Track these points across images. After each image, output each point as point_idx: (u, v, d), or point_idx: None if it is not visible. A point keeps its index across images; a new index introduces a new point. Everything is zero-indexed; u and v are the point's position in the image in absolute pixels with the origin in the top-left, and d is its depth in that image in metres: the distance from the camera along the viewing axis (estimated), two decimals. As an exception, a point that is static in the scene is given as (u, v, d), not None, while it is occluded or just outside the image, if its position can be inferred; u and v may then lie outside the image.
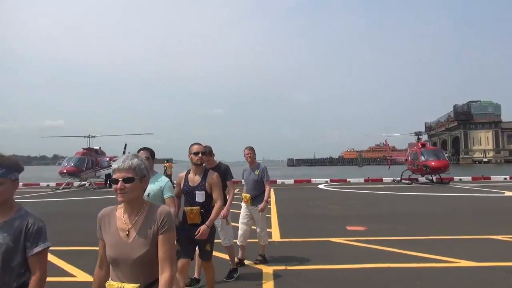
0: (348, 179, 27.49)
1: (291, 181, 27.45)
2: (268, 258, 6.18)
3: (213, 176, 4.17)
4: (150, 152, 3.98)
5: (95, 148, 26.82)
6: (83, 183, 24.95)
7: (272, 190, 19.95)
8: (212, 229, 4.12)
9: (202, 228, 3.96)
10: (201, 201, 4.09)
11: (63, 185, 24.05)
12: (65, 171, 23.34)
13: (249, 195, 5.95)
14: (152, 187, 3.80)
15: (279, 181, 27.46)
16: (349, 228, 8.77)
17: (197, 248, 4.31)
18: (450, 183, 23.61)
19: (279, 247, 7.13)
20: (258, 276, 5.40)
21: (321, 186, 22.71)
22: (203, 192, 4.10)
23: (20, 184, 26.79)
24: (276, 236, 8.02)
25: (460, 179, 25.99)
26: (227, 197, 5.21)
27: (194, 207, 4.04)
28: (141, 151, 3.92)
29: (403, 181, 25.26)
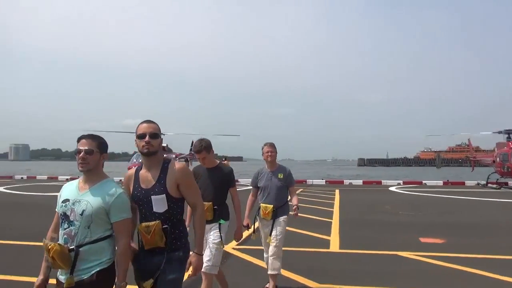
0: (423, 182, 25.17)
1: (360, 182, 25.81)
2: (320, 273, 5.24)
3: (178, 169, 2.59)
4: (98, 143, 2.45)
5: (162, 145, 27.47)
6: (150, 179, 25.64)
7: (337, 191, 18.89)
8: (185, 253, 2.61)
9: (193, 260, 2.65)
10: (161, 210, 2.51)
11: (132, 181, 25.06)
12: (133, 167, 24.20)
13: (271, 206, 4.54)
14: (92, 202, 2.34)
15: (346, 181, 25.99)
16: (423, 240, 7.46)
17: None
18: (549, 189, 20.44)
19: (336, 259, 6.14)
20: (306, 297, 4.52)
21: (392, 189, 20.89)
22: (163, 196, 2.52)
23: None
24: (334, 245, 7.01)
25: (561, 185, 22.46)
26: (234, 208, 4.05)
27: (152, 222, 2.48)
28: (82, 140, 2.43)
29: (489, 185, 22.47)
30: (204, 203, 3.54)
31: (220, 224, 3.84)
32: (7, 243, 7.11)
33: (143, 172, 2.63)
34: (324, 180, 26.86)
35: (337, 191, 18.67)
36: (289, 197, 4.86)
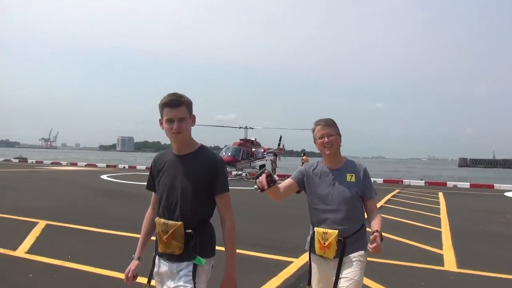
0: (549, 188, 21.43)
1: (466, 184, 22.88)
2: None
3: None
4: None
5: (251, 139, 27.52)
6: (239, 172, 25.85)
7: (440, 194, 16.77)
8: None
9: None
10: None
11: (221, 174, 25.73)
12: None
13: (335, 232, 2.48)
14: None
15: (449, 183, 23.24)
16: None
17: None
18: None
19: (455, 282, 4.98)
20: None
21: (509, 194, 18.05)
22: None
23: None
24: (450, 262, 5.78)
25: None
26: (226, 239, 2.14)
27: None
28: None
29: None
30: (168, 222, 2.10)
31: (195, 264, 2.06)
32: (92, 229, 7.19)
33: None
34: (423, 181, 24.41)
35: (440, 194, 16.64)
36: (366, 216, 2.65)
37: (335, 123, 2.61)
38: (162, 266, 2.14)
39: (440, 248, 6.62)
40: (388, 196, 14.57)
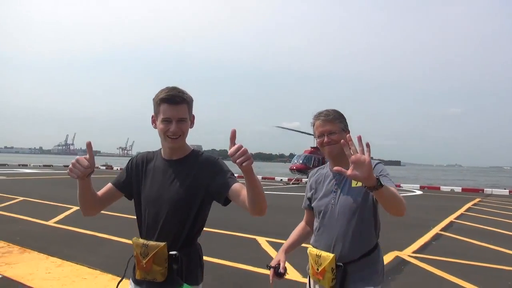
0: None
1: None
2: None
3: None
4: None
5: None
6: (310, 180, 26.17)
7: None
8: None
9: None
10: None
11: (292, 181, 26.37)
12: (294, 167, 25.30)
13: (331, 256, 1.88)
14: None
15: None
16: None
17: None
18: None
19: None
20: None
21: None
22: None
23: (259, 177, 30.49)
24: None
25: None
26: None
27: None
28: None
29: None
30: (149, 243, 1.75)
31: None
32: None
33: None
34: (507, 190, 22.93)
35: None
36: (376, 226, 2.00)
37: (340, 116, 2.00)
38: None
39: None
40: (469, 205, 14.17)
